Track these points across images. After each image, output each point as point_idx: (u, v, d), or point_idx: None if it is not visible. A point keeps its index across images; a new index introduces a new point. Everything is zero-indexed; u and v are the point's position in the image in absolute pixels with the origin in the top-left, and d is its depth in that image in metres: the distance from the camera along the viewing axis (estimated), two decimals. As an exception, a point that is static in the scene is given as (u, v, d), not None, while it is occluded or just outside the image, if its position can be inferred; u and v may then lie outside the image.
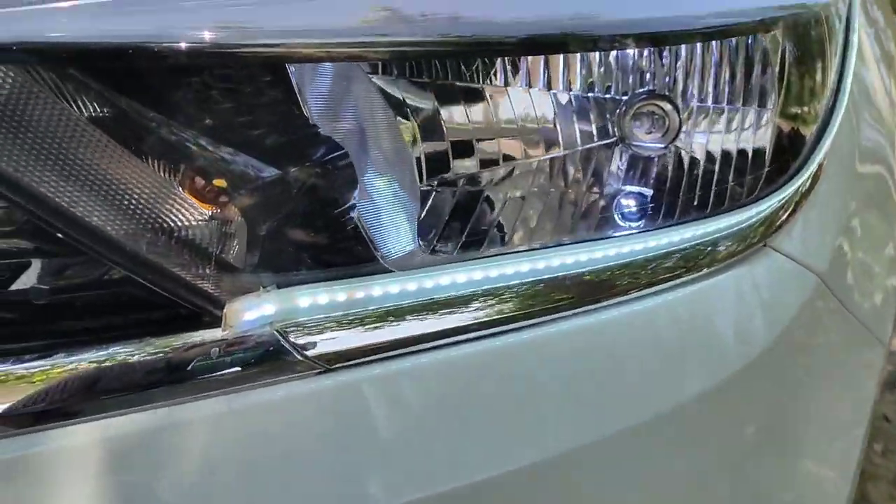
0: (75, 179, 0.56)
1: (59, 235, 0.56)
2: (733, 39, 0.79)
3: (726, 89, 0.79)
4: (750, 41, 0.80)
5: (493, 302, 0.67)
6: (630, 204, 0.78)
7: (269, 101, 0.62)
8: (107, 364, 0.58)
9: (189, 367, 0.60)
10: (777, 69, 0.82)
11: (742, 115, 0.81)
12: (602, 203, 0.77)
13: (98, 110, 0.55)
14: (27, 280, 0.58)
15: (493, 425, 0.66)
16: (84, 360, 0.58)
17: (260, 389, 0.61)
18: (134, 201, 0.58)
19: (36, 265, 0.58)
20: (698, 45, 0.77)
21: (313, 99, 0.65)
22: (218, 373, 0.60)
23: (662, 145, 0.77)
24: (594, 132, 0.76)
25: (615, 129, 0.76)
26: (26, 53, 0.52)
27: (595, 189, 0.77)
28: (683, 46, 0.77)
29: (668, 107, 0.78)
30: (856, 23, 0.91)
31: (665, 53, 0.77)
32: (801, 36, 0.85)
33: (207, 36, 0.54)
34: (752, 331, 0.76)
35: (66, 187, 0.56)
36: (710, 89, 0.79)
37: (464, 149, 0.73)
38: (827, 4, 0.87)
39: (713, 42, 0.78)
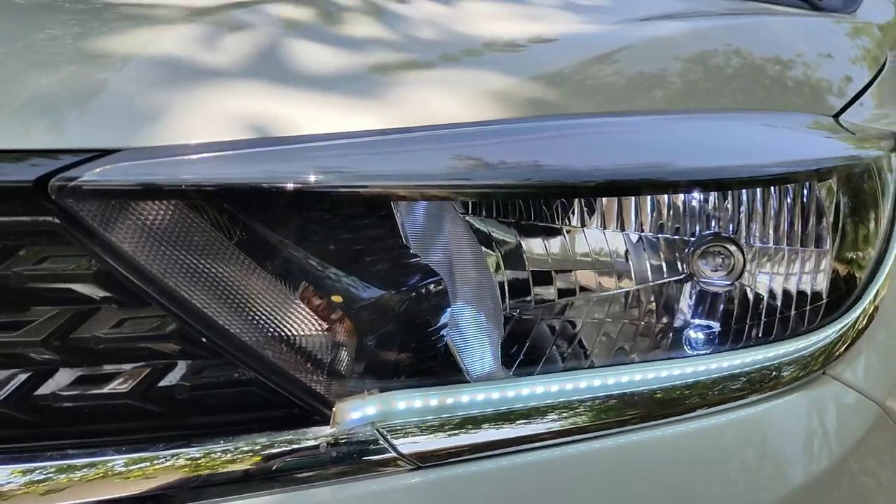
0: (217, 293, 0.68)
1: (203, 340, 0.68)
2: (791, 187, 0.88)
3: (786, 232, 0.88)
4: (807, 189, 0.89)
5: (568, 413, 0.75)
6: (698, 335, 0.86)
7: (377, 234, 0.74)
8: (233, 455, 0.68)
9: (301, 460, 0.69)
10: (832, 216, 0.91)
11: (801, 256, 0.89)
12: (671, 332, 0.85)
13: (240, 238, 0.68)
14: (171, 378, 0.70)
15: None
16: (214, 451, 0.68)
17: (359, 482, 0.70)
18: (263, 313, 0.69)
19: (181, 365, 0.70)
20: (759, 190, 0.86)
21: (413, 233, 0.77)
22: (325, 466, 0.69)
23: (728, 282, 0.85)
24: (664, 269, 0.85)
25: (684, 267, 0.85)
26: (184, 192, 0.65)
27: (665, 319, 0.86)
28: (746, 192, 0.86)
29: (732, 247, 0.87)
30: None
31: (729, 198, 0.87)
32: (855, 185, 0.94)
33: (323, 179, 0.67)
34: (810, 454, 0.82)
35: (209, 299, 0.68)
36: (772, 232, 0.88)
37: (544, 279, 0.82)
38: (879, 157, 0.96)
39: (773, 188, 0.87)
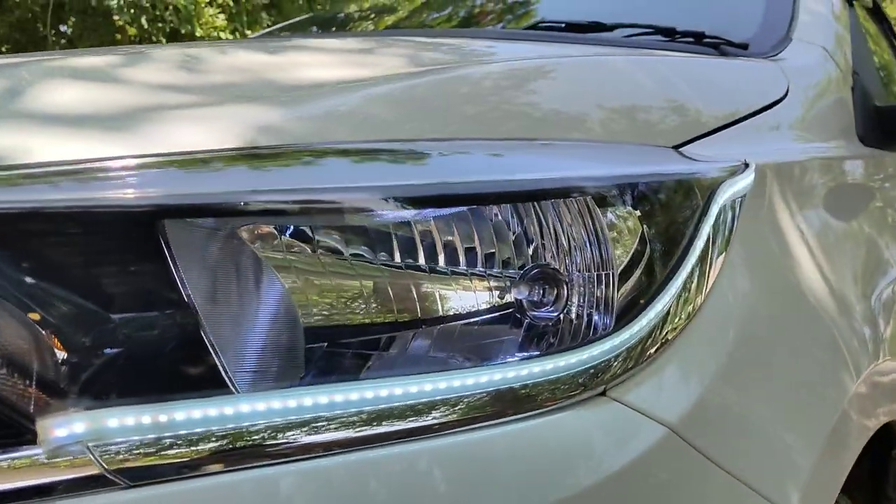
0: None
1: None
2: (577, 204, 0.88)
3: (580, 256, 0.88)
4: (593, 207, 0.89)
5: (298, 431, 0.74)
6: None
7: (99, 253, 0.74)
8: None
9: (11, 481, 0.69)
10: (633, 237, 0.90)
11: (592, 277, 0.88)
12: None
13: None
14: None
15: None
16: None
17: (69, 501, 0.69)
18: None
19: None
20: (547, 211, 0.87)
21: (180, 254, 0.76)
22: (36, 487, 0.69)
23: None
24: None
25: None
26: None
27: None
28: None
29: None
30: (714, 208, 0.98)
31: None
32: (667, 208, 0.93)
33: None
34: (574, 472, 0.79)
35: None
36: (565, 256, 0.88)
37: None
38: (698, 177, 0.96)
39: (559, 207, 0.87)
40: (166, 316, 0.75)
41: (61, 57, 1.00)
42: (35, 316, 0.70)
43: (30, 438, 0.70)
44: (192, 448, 0.72)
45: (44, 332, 0.71)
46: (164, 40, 7.69)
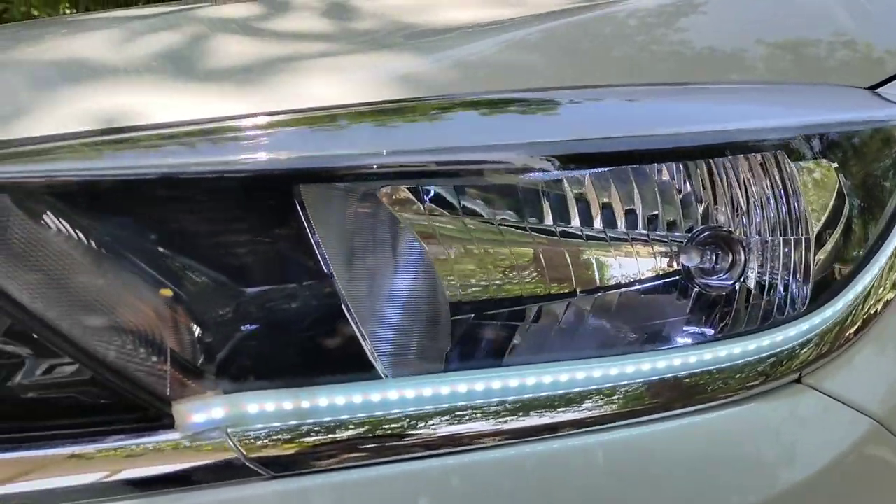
0: (49, 289, 0.64)
1: (36, 338, 0.65)
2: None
3: (774, 218, 0.77)
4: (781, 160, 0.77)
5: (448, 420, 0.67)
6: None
7: (233, 228, 0.68)
8: (74, 457, 0.65)
9: (148, 467, 0.64)
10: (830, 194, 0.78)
11: (787, 244, 0.77)
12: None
13: (71, 231, 0.64)
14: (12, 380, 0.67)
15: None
16: (57, 453, 0.65)
17: (208, 491, 0.64)
18: (102, 312, 0.65)
19: (22, 365, 0.67)
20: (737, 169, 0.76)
21: (319, 223, 0.70)
22: (173, 473, 0.64)
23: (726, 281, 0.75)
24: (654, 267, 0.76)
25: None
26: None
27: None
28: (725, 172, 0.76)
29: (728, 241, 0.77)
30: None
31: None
32: (868, 158, 0.81)
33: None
34: (768, 471, 0.69)
35: (44, 298, 0.64)
36: (760, 219, 0.77)
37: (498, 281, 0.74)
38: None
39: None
40: (306, 290, 0.68)
41: (187, 9, 0.94)
42: (167, 292, 0.65)
43: (166, 423, 0.66)
44: (336, 436, 0.65)
45: (177, 308, 0.66)
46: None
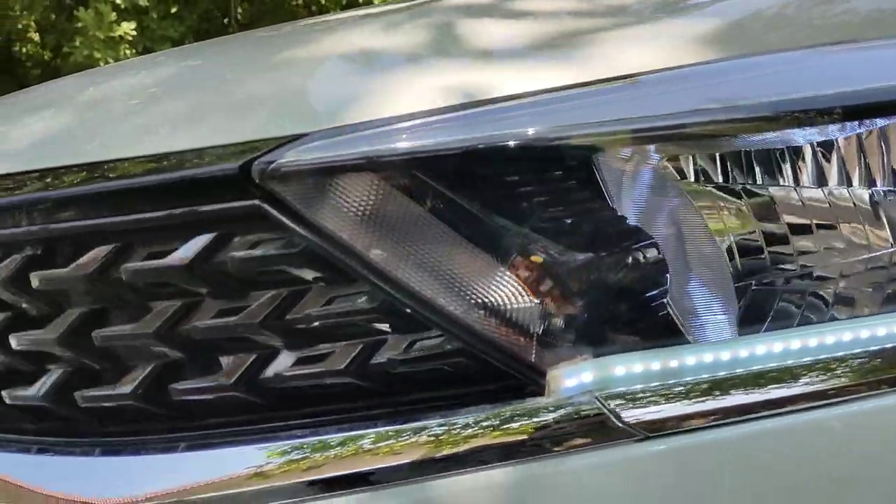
0: (422, 265, 0.67)
1: (410, 313, 0.67)
2: None
3: None
4: None
5: (821, 374, 0.66)
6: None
7: (582, 196, 0.69)
8: (451, 428, 0.67)
9: (523, 432, 0.66)
10: None
11: None
12: None
13: (442, 207, 0.66)
14: (383, 354, 0.69)
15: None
16: (432, 425, 0.67)
17: (583, 454, 0.65)
18: (469, 283, 0.67)
19: (391, 340, 0.69)
20: None
21: (619, 195, 0.71)
22: (547, 438, 0.66)
23: None
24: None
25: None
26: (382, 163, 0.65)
27: None
28: None
29: None
30: None
31: None
32: None
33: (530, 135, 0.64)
34: None
35: (415, 272, 0.67)
36: None
37: (777, 243, 0.74)
38: None
39: None
40: (639, 257, 0.69)
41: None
42: (536, 259, 0.66)
43: (533, 390, 0.67)
44: (709, 395, 0.65)
45: (541, 277, 0.67)
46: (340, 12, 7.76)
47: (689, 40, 0.77)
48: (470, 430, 0.66)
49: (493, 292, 0.67)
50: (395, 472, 0.66)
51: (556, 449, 0.65)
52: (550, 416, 0.66)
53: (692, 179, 0.75)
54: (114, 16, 6.35)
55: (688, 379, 0.66)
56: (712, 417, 0.65)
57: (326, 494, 0.67)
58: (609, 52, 0.77)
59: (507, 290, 0.67)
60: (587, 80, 0.70)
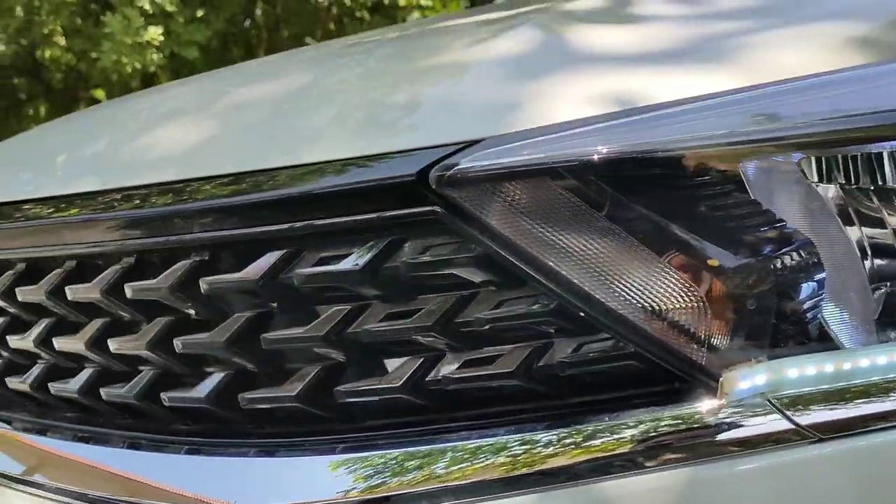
0: (593, 268, 0.68)
1: (581, 316, 0.68)
2: None
3: None
4: None
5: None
6: None
7: (740, 200, 0.70)
8: (624, 430, 0.68)
9: (692, 435, 0.67)
10: None
11: None
12: None
13: (611, 211, 0.67)
14: (552, 357, 0.70)
15: None
16: (605, 426, 0.68)
17: (756, 456, 0.66)
18: (638, 286, 0.68)
19: (560, 343, 0.70)
20: None
21: (768, 200, 0.72)
22: (718, 440, 0.67)
23: None
24: None
25: None
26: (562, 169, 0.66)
27: None
28: None
29: None
30: None
31: None
32: None
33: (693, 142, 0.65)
34: None
35: (586, 276, 0.68)
36: None
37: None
38: None
39: None
40: (785, 257, 0.70)
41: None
42: (713, 263, 0.67)
43: (702, 392, 0.68)
44: (878, 397, 0.66)
45: (709, 282, 0.68)
46: (366, 14, 7.74)
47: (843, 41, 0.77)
48: (641, 433, 0.67)
49: (665, 295, 0.68)
50: (569, 473, 0.67)
51: (730, 450, 0.66)
52: (725, 419, 0.66)
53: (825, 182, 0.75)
54: (141, 21, 6.37)
55: (861, 381, 0.67)
56: (888, 419, 0.66)
57: (501, 495, 0.68)
58: (762, 54, 0.77)
59: (679, 293, 0.68)
60: (748, 83, 0.71)
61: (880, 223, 0.75)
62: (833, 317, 0.72)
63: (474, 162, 0.67)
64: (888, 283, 0.75)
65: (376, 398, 0.72)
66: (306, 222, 0.70)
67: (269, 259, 0.71)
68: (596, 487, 0.67)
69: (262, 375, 0.76)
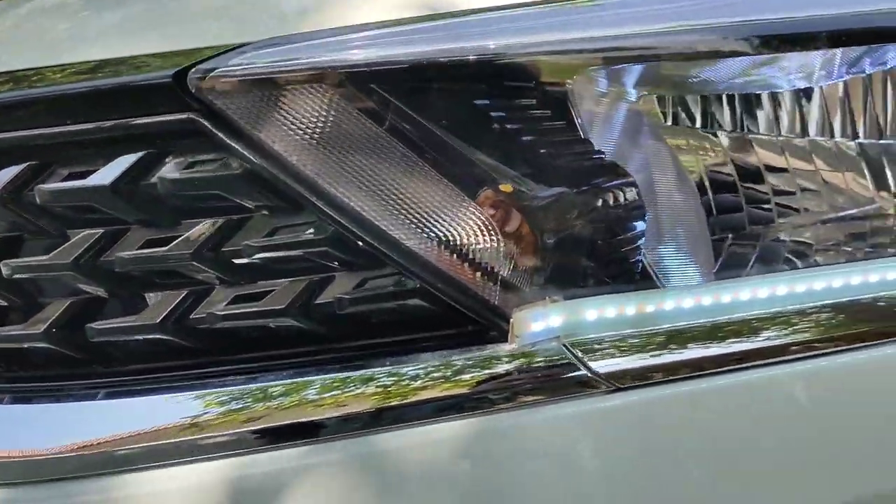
0: (378, 193, 0.60)
1: (363, 247, 0.60)
2: None
3: None
4: None
5: (788, 328, 0.61)
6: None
7: (555, 127, 0.63)
8: (403, 374, 0.60)
9: (481, 382, 0.60)
10: None
11: None
12: None
13: (403, 131, 0.59)
14: (331, 293, 0.62)
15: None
16: (383, 372, 0.61)
17: (547, 406, 0.60)
18: (429, 216, 0.61)
19: (340, 277, 0.62)
20: None
21: (592, 125, 0.65)
22: (508, 388, 0.60)
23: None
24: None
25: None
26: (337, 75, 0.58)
27: None
28: None
29: None
30: None
31: None
32: None
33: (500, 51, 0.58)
34: None
35: (370, 201, 0.60)
36: None
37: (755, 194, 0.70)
38: None
39: None
40: (605, 192, 0.63)
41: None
42: (506, 188, 0.60)
43: (494, 336, 0.61)
44: (680, 348, 0.60)
45: (506, 214, 0.61)
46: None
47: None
48: (421, 380, 0.60)
49: (455, 226, 0.61)
50: (342, 424, 0.59)
51: (518, 401, 0.60)
52: (513, 365, 0.60)
53: (670, 122, 0.70)
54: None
55: (665, 326, 0.60)
56: (690, 369, 0.60)
57: (266, 447, 0.60)
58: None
59: (471, 223, 0.61)
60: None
61: (726, 170, 0.70)
62: (659, 262, 0.66)
63: (240, 64, 0.58)
64: (731, 236, 0.70)
65: (134, 337, 0.64)
66: (53, 129, 0.61)
67: (11, 171, 0.62)
68: (375, 439, 0.60)
69: (10, 311, 0.66)
